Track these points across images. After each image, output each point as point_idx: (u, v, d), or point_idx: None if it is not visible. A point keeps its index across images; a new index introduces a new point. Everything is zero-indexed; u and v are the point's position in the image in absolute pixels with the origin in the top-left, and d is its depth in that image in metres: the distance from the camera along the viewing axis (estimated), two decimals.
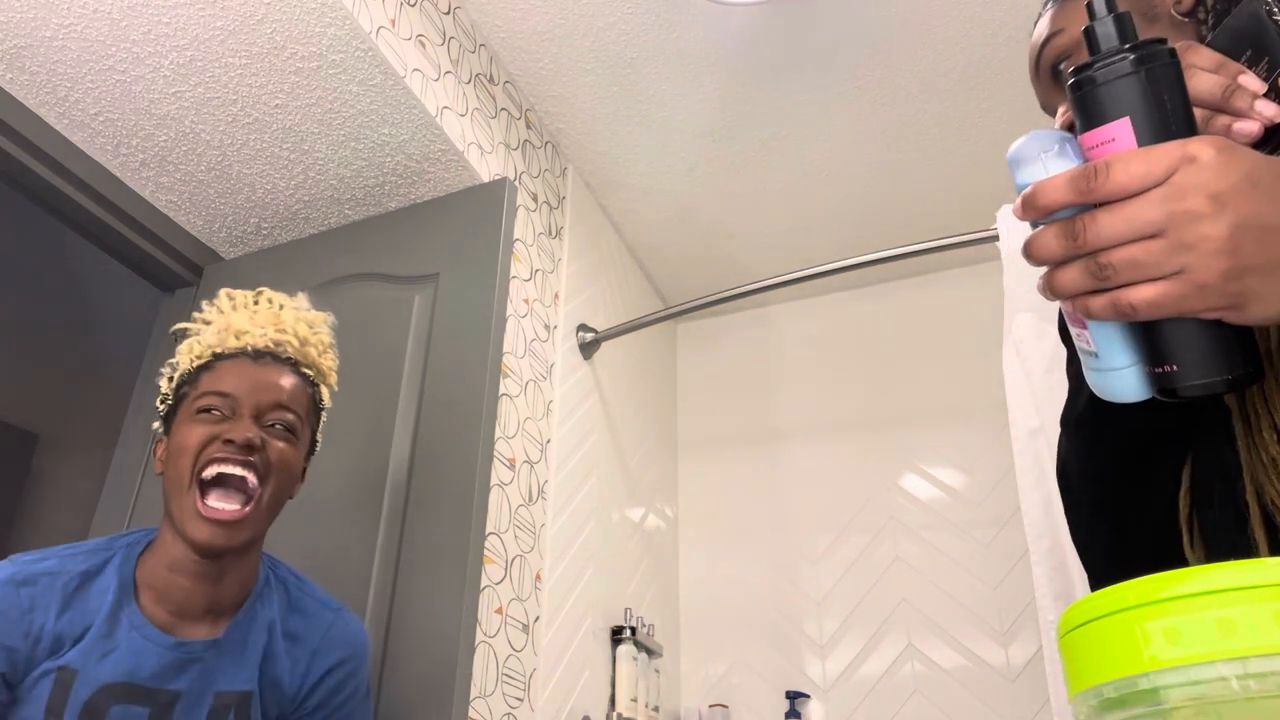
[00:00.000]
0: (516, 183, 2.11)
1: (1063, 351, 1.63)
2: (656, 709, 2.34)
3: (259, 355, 1.05)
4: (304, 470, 1.12)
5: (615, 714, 2.12)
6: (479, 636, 1.61)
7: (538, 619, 1.88)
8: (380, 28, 1.70)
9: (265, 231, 2.10)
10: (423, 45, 1.84)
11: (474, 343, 1.66)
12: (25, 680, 0.93)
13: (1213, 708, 0.23)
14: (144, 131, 1.80)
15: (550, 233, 2.28)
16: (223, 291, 1.16)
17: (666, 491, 2.80)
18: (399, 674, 1.40)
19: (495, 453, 1.79)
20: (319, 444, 1.16)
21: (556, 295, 2.27)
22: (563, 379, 2.21)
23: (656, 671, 2.39)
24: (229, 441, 0.96)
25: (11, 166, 1.69)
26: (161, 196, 1.96)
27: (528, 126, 2.25)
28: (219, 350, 1.05)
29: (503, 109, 2.13)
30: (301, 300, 1.19)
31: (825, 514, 2.67)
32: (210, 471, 0.96)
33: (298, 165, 1.92)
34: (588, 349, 2.36)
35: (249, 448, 0.97)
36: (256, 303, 1.14)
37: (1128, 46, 0.47)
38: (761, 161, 2.46)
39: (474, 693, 1.56)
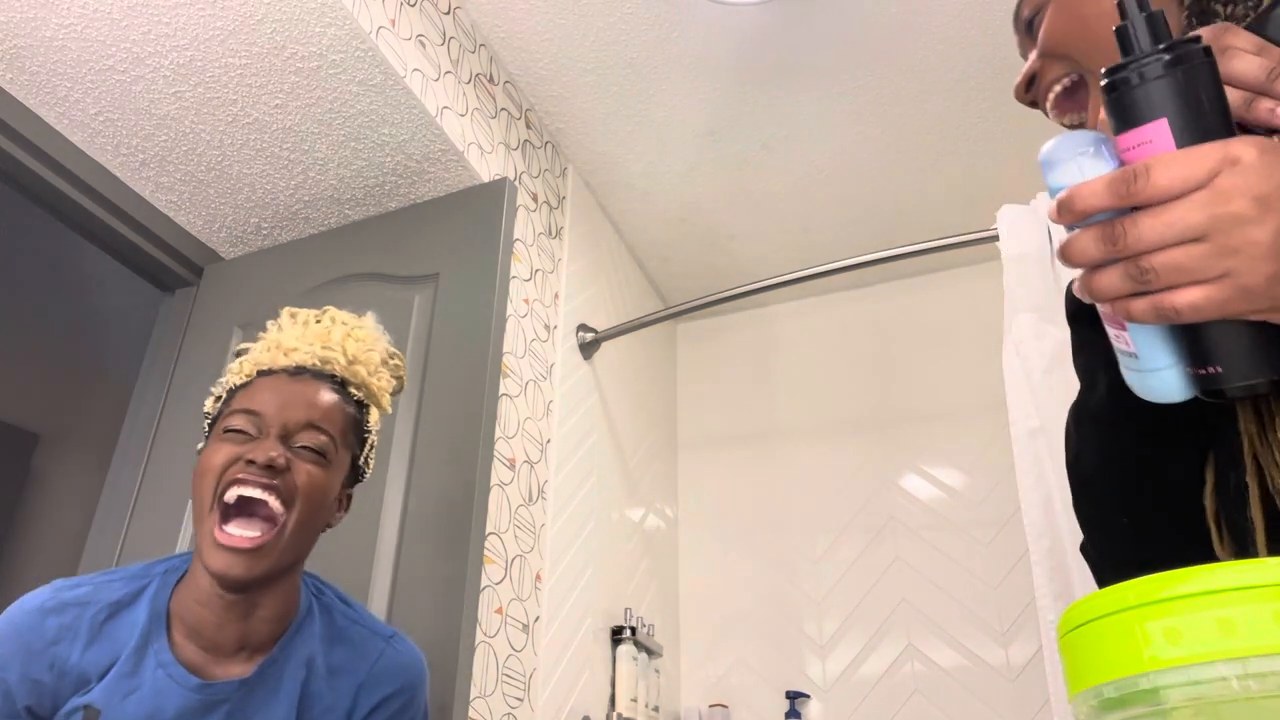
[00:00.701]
0: (516, 183, 2.11)
1: (1063, 351, 1.63)
2: (656, 709, 2.34)
3: (298, 372, 0.98)
4: (348, 498, 1.04)
5: (615, 714, 2.12)
6: (479, 636, 1.61)
7: (538, 619, 1.88)
8: (380, 28, 1.70)
9: (265, 231, 2.10)
10: (423, 45, 1.84)
11: (474, 343, 1.66)
12: (55, 717, 0.89)
13: (1212, 708, 0.23)
14: (144, 131, 1.80)
15: (550, 233, 2.28)
16: (285, 310, 1.08)
17: (666, 491, 2.80)
18: None
19: (495, 453, 1.79)
20: (368, 471, 1.07)
21: (556, 295, 2.27)
22: (563, 379, 2.21)
23: (656, 671, 2.39)
24: (251, 462, 0.89)
25: (11, 166, 1.69)
26: (161, 196, 1.96)
27: (528, 126, 2.25)
28: (264, 367, 0.99)
29: (503, 109, 2.13)
30: (369, 320, 1.10)
31: (825, 514, 2.67)
32: (231, 494, 0.89)
33: (298, 165, 1.92)
34: (588, 349, 2.36)
35: (271, 469, 0.90)
36: (319, 321, 1.06)
37: (1162, 47, 0.46)
38: (761, 161, 2.46)
39: (474, 693, 1.56)
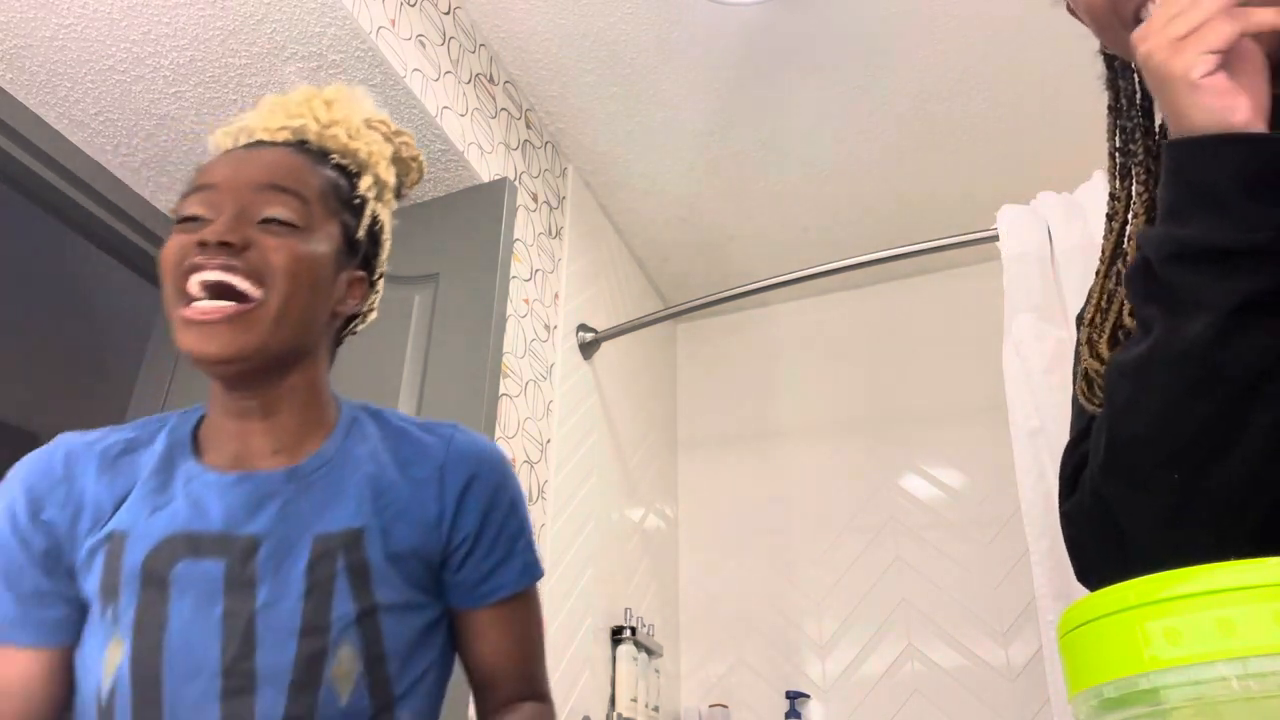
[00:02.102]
0: (516, 183, 2.11)
1: (1063, 351, 1.63)
2: (656, 709, 2.34)
3: (257, 143, 0.82)
4: (360, 283, 0.86)
5: (615, 714, 2.12)
6: None
7: None
8: (380, 28, 1.70)
9: None
10: (423, 45, 1.84)
11: (474, 343, 1.66)
12: (77, 563, 0.76)
13: (1213, 708, 0.23)
14: (144, 131, 1.80)
15: (550, 233, 2.28)
16: (266, 97, 0.93)
17: (666, 491, 2.80)
18: None
19: None
20: (381, 254, 0.89)
21: (556, 295, 2.27)
22: (563, 379, 2.21)
23: (656, 671, 2.39)
24: (203, 244, 0.73)
25: (11, 166, 1.69)
26: (161, 196, 1.96)
27: (528, 126, 2.25)
28: (224, 147, 0.84)
29: (503, 109, 2.13)
30: (358, 90, 0.92)
31: (825, 514, 2.67)
32: (193, 282, 0.73)
33: None
34: (588, 349, 2.36)
35: (225, 245, 0.73)
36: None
37: None
38: (761, 161, 2.46)
39: None
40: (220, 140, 0.85)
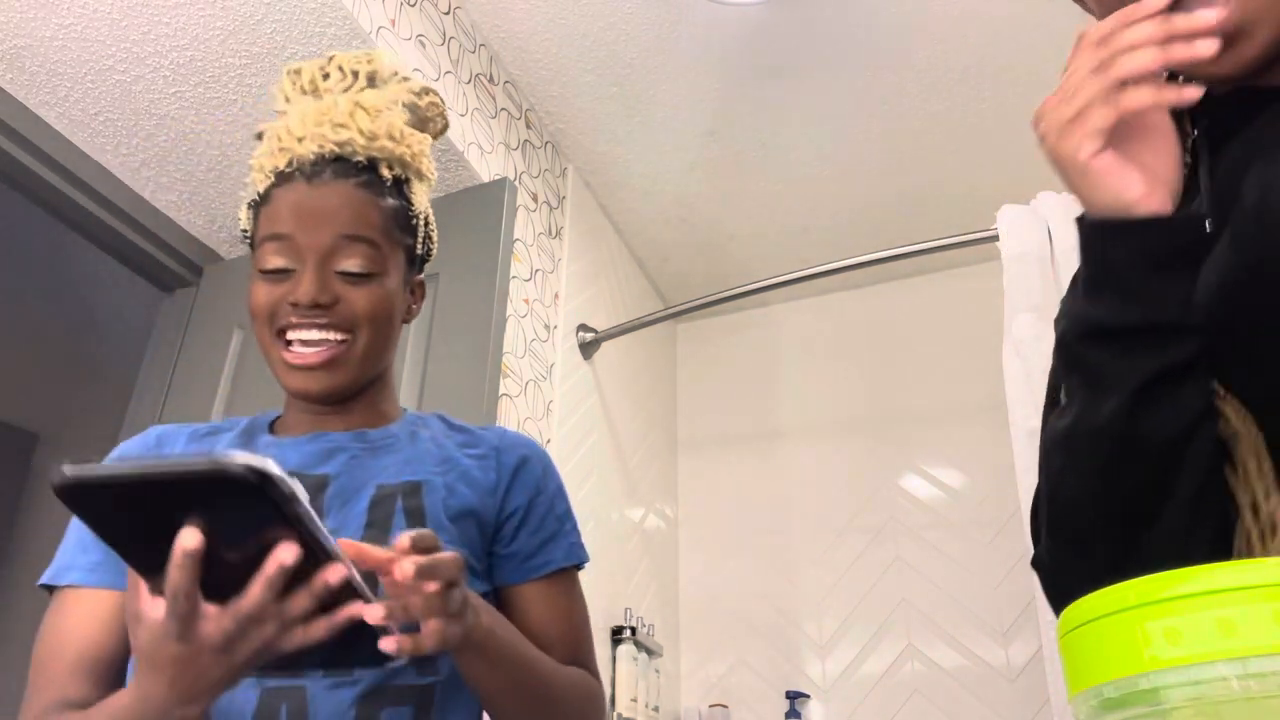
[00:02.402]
0: (516, 183, 2.11)
1: None
2: (656, 709, 2.34)
3: (317, 172, 0.85)
4: (419, 285, 0.95)
5: (615, 714, 2.12)
6: None
7: None
8: (380, 28, 1.70)
9: None
10: (423, 45, 1.84)
11: (474, 343, 1.66)
12: None
13: (1213, 708, 0.23)
14: (144, 131, 1.80)
15: (550, 233, 2.28)
16: (286, 72, 0.93)
17: (666, 491, 2.80)
18: None
19: None
20: (432, 248, 0.96)
21: (556, 295, 2.27)
22: (563, 379, 2.21)
23: (656, 671, 2.39)
24: (295, 304, 0.81)
25: (11, 166, 1.69)
26: (161, 196, 1.96)
27: (528, 126, 2.25)
28: (278, 168, 0.87)
29: (503, 109, 2.13)
30: (378, 58, 0.94)
31: (825, 514, 2.67)
32: (292, 337, 0.83)
33: None
34: (588, 349, 2.36)
35: (317, 307, 0.81)
36: (325, 76, 0.91)
37: None
38: (761, 161, 2.46)
39: None
40: (270, 160, 0.88)
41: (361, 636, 0.59)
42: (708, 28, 2.05)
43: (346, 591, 0.58)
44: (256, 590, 0.54)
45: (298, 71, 0.92)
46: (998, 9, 1.99)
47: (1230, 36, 0.57)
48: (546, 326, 2.18)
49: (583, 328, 2.36)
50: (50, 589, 0.82)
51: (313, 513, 0.54)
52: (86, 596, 0.79)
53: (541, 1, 2.00)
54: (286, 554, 0.54)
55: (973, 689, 2.30)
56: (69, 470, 0.50)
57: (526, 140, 2.22)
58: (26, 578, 2.79)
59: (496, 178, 1.94)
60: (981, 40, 2.07)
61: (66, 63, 1.64)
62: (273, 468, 0.51)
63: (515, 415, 1.93)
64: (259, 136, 0.92)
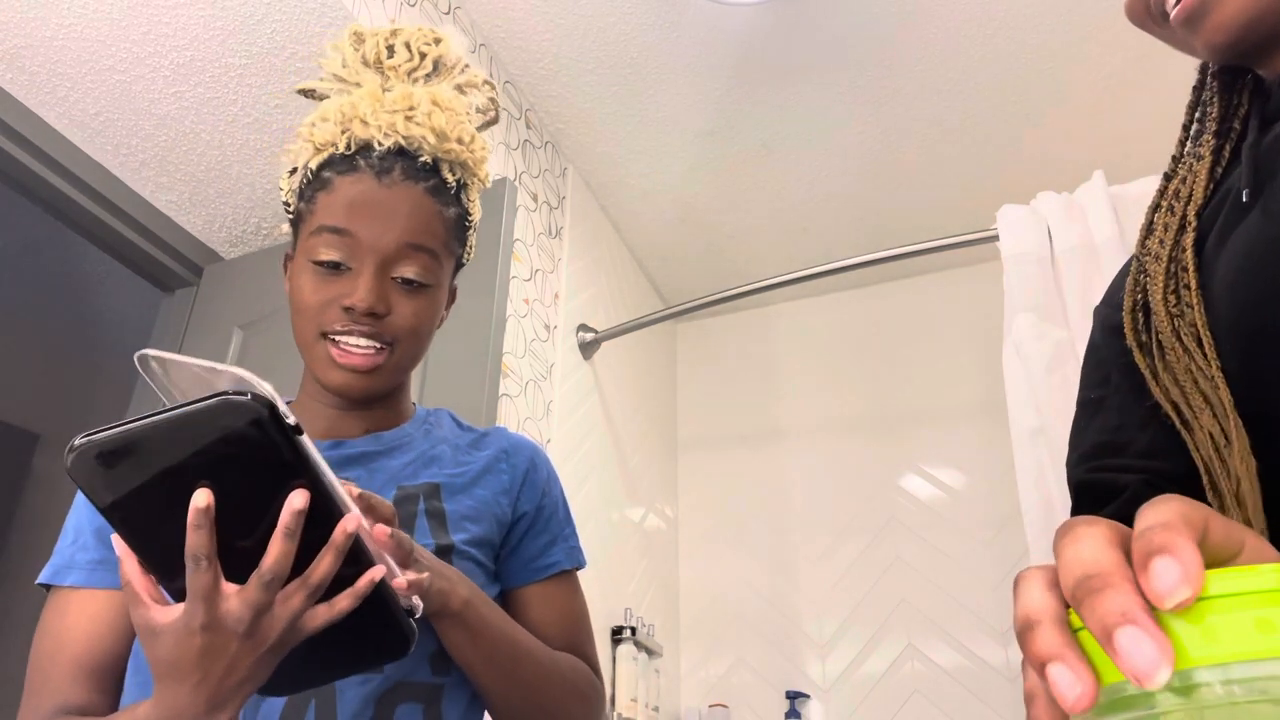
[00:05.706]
0: (516, 183, 2.11)
1: (1063, 352, 1.63)
2: (656, 709, 2.34)
3: (384, 168, 0.81)
4: (453, 291, 0.94)
5: (615, 714, 2.12)
6: None
7: None
8: None
9: (265, 231, 2.10)
10: None
11: (474, 343, 1.66)
12: None
13: (1199, 713, 0.23)
14: (144, 131, 1.80)
15: (550, 233, 2.29)
16: (349, 33, 0.88)
17: (666, 491, 2.80)
18: None
19: None
20: (469, 255, 0.95)
21: (556, 295, 2.28)
22: (563, 379, 2.21)
23: (656, 671, 2.39)
24: (348, 309, 0.79)
25: (11, 166, 1.69)
26: (161, 196, 1.96)
27: (528, 126, 2.25)
28: (339, 150, 0.82)
29: (503, 109, 2.13)
30: (448, 46, 0.90)
31: (825, 514, 2.67)
32: (333, 335, 0.81)
33: None
34: (588, 349, 2.36)
35: (373, 315, 0.80)
36: (392, 52, 0.87)
37: None
38: (761, 161, 2.46)
39: None
40: (327, 133, 0.83)
41: (368, 630, 0.59)
42: (708, 28, 2.05)
43: (359, 562, 0.57)
44: (276, 545, 0.53)
45: (360, 38, 0.88)
46: (997, 9, 1.99)
47: (1196, 14, 0.58)
48: (546, 326, 2.18)
49: (583, 328, 2.36)
50: (48, 588, 0.81)
51: (319, 456, 0.53)
52: (86, 597, 0.79)
53: (541, 2, 2.00)
54: (298, 499, 0.52)
55: (973, 689, 2.30)
56: (78, 441, 0.49)
57: (526, 140, 2.23)
58: (26, 578, 2.80)
59: (496, 178, 1.94)
60: (980, 40, 2.07)
61: (66, 63, 1.65)
62: (279, 402, 0.50)
63: (515, 415, 1.93)
64: (306, 94, 0.88)
